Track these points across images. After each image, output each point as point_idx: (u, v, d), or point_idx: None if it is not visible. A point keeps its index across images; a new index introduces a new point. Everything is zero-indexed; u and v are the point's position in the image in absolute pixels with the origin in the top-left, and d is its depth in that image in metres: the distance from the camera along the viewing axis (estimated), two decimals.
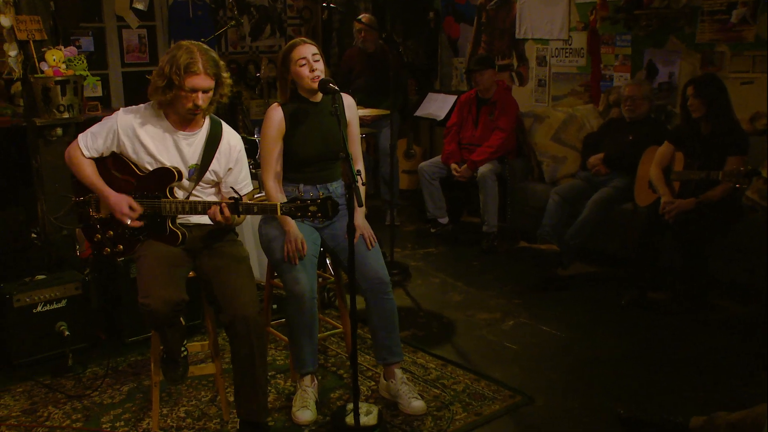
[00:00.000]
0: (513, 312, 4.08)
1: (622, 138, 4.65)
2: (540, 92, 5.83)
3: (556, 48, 5.65)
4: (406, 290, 4.42)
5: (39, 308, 3.37)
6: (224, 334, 3.13)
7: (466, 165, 5.21)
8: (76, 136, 3.70)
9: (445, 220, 5.46)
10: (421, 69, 6.64)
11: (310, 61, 2.90)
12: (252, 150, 4.33)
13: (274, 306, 3.81)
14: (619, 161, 4.58)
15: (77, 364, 3.36)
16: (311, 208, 2.53)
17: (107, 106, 5.77)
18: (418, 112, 6.27)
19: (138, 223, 2.70)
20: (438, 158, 5.46)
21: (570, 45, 5.55)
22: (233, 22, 4.22)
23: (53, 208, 3.75)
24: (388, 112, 4.74)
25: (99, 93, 5.41)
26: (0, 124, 4.52)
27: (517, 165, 5.27)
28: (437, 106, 6.12)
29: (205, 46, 2.65)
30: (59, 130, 3.66)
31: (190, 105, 2.64)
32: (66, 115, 3.57)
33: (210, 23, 6.49)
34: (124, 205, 2.69)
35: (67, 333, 3.35)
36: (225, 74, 2.69)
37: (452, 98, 6.00)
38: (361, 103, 4.98)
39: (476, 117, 5.32)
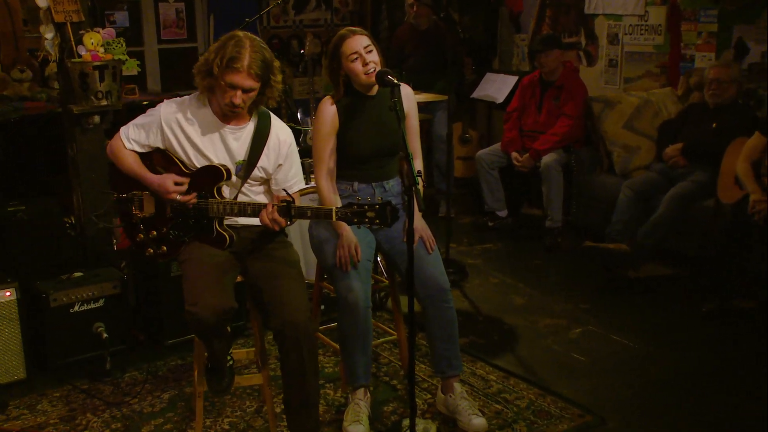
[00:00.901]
0: (580, 319, 4.00)
1: (704, 126, 4.51)
2: (611, 74, 5.68)
3: (630, 24, 5.49)
4: (463, 291, 4.38)
5: (76, 308, 3.42)
6: (269, 338, 3.16)
7: (528, 154, 5.12)
8: (113, 124, 3.77)
9: (504, 213, 5.39)
10: (479, 46, 6.53)
11: (362, 55, 2.85)
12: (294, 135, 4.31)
13: (321, 307, 3.81)
14: (701, 152, 4.45)
15: (115, 368, 3.41)
16: (369, 214, 2.49)
17: (143, 88, 5.81)
18: (475, 94, 6.17)
19: (190, 197, 2.68)
20: (497, 146, 5.39)
21: (646, 21, 5.38)
22: (279, 0, 4.18)
23: (89, 199, 3.80)
24: (445, 97, 4.67)
25: (135, 72, 5.45)
26: (34, 110, 4.58)
27: (584, 155, 5.15)
28: (496, 87, 6.02)
29: (259, 44, 2.63)
30: (96, 118, 3.69)
31: (227, 100, 2.62)
32: (104, 103, 3.58)
33: None
34: (168, 183, 2.68)
35: (105, 335, 3.39)
36: (275, 77, 2.66)
37: (512, 79, 5.90)
38: (412, 83, 4.92)
39: (540, 101, 5.22)
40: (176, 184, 2.69)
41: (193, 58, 6.46)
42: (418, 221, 3.00)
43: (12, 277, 3.32)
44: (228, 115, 2.72)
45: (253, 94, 2.64)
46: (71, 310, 3.41)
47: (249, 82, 2.60)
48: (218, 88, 2.63)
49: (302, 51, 6.76)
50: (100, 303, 3.47)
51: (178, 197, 2.69)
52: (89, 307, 3.45)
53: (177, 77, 6.49)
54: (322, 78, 6.95)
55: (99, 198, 3.70)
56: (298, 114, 5.69)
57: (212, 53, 2.62)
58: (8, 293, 3.26)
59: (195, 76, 2.69)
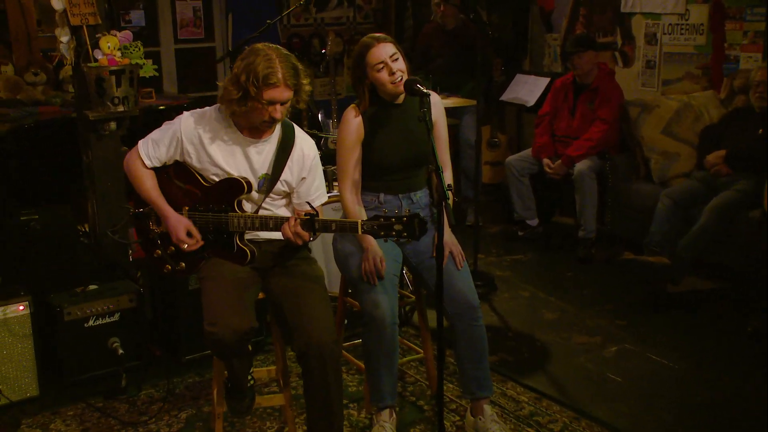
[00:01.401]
0: (616, 336, 3.96)
1: (749, 132, 4.46)
2: (648, 76, 5.62)
3: (670, 24, 5.43)
4: (491, 305, 4.35)
5: (91, 322, 3.43)
6: (290, 354, 3.15)
7: (560, 160, 5.09)
8: (130, 130, 3.79)
9: (534, 222, 5.37)
10: (508, 46, 6.49)
11: (388, 64, 2.84)
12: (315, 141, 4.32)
13: (345, 322, 3.80)
14: (746, 160, 4.39)
15: (131, 385, 3.42)
16: (396, 227, 2.48)
17: (159, 90, 5.84)
18: (505, 96, 6.14)
19: (194, 247, 2.73)
20: (528, 151, 5.36)
21: (687, 20, 5.32)
22: (302, 1, 4.19)
23: (105, 207, 3.82)
24: (474, 102, 4.64)
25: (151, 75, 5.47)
26: (48, 115, 4.61)
27: (620, 161, 5.10)
28: (527, 89, 5.98)
29: (283, 51, 2.62)
30: (113, 124, 3.71)
31: (266, 117, 2.61)
32: (120, 108, 3.61)
33: None
34: (181, 230, 2.70)
35: (121, 351, 3.41)
36: (304, 81, 2.65)
37: (544, 81, 5.86)
38: (439, 86, 4.91)
39: (573, 105, 5.18)
40: (189, 235, 2.71)
41: (211, 57, 6.51)
42: (448, 236, 2.98)
43: (25, 291, 3.35)
44: (262, 131, 2.72)
45: (288, 104, 2.64)
46: (86, 325, 3.43)
47: (286, 94, 2.60)
48: (255, 110, 2.60)
49: (324, 50, 6.75)
50: (116, 317, 3.49)
51: (184, 247, 2.71)
52: (104, 321, 3.46)
53: (194, 78, 6.52)
54: (345, 78, 6.99)
55: (115, 207, 3.73)
56: (319, 116, 5.69)
57: (241, 74, 2.56)
58: (21, 307, 3.29)
59: (224, 103, 2.65)
